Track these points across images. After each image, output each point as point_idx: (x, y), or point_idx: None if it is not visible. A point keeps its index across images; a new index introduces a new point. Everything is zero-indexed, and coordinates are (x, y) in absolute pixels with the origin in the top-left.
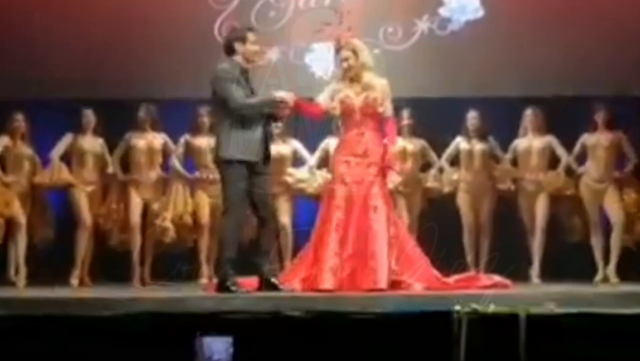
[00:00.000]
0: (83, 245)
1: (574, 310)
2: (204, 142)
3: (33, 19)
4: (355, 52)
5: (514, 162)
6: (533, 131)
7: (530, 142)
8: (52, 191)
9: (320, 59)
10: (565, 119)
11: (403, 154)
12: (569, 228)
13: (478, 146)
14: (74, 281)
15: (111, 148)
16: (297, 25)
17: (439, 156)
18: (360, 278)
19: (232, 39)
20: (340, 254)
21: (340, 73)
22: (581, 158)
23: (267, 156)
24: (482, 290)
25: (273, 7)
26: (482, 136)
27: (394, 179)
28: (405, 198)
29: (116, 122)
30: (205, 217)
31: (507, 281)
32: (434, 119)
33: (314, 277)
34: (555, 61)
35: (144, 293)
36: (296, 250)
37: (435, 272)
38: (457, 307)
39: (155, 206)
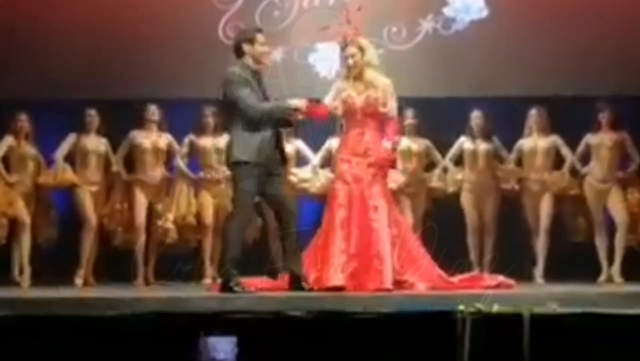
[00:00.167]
0: (88, 245)
1: (578, 310)
2: (209, 142)
3: (37, 20)
4: (361, 49)
5: (519, 162)
6: (538, 131)
7: (535, 142)
8: (56, 191)
9: (324, 59)
10: (567, 119)
11: (407, 154)
12: (573, 228)
13: (482, 146)
14: (78, 281)
15: (115, 148)
16: (301, 24)
17: (443, 156)
18: (365, 279)
19: (241, 41)
20: (347, 251)
21: (344, 71)
22: (585, 158)
23: (282, 158)
24: (486, 290)
25: (277, 6)
26: (486, 136)
27: (396, 178)
28: (410, 198)
29: (120, 122)
30: (209, 217)
31: (511, 281)
32: (438, 119)
33: (322, 276)
34: (558, 61)
35: (148, 293)
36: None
37: (439, 271)
38: (461, 307)
39: (159, 207)
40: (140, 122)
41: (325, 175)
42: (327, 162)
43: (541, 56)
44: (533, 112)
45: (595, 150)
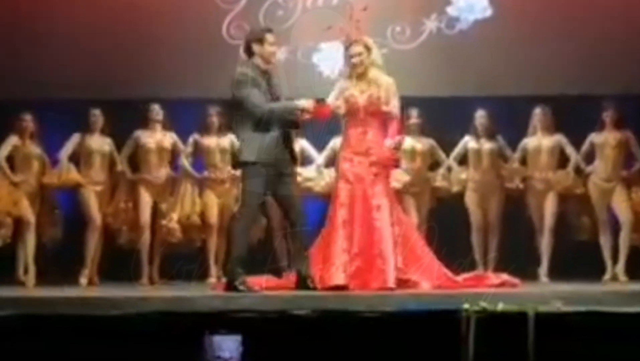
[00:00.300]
0: (93, 244)
1: (582, 309)
2: (213, 141)
3: (40, 19)
4: (367, 48)
5: (523, 161)
6: (542, 130)
7: (540, 140)
8: (61, 191)
9: (328, 58)
10: (573, 118)
11: (411, 153)
12: (578, 227)
13: (486, 145)
14: (83, 280)
15: (119, 148)
16: (304, 24)
17: (448, 155)
18: (368, 278)
19: (250, 41)
20: (349, 251)
21: (348, 70)
22: (589, 157)
23: (292, 157)
24: (491, 289)
25: (281, 6)
26: (491, 135)
27: (400, 178)
28: (414, 197)
29: (124, 122)
30: (213, 216)
31: (516, 280)
32: (442, 118)
33: (324, 275)
34: (563, 60)
35: (153, 292)
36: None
37: (444, 270)
38: (466, 306)
39: (164, 206)
40: (145, 122)
41: (329, 174)
42: (332, 161)
43: (546, 55)
44: (537, 111)
45: (599, 149)
